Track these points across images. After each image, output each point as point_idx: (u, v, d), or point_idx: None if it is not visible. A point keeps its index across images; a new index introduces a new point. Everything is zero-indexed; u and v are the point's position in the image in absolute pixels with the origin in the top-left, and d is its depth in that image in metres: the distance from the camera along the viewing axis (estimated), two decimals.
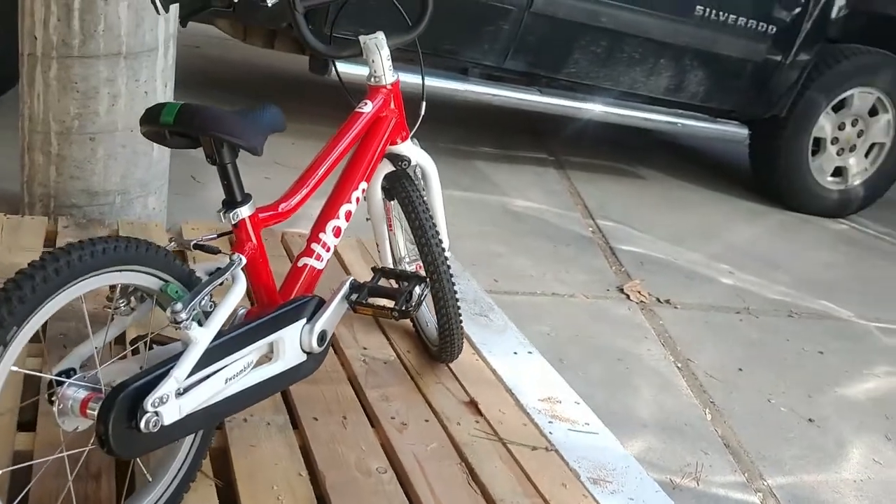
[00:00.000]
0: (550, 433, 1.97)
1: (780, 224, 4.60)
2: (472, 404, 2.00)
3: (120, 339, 1.67)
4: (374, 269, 1.83)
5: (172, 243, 1.46)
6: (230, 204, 1.51)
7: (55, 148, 2.55)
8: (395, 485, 1.68)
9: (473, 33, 3.83)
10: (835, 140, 4.78)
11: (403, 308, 1.68)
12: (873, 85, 4.68)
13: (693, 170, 5.27)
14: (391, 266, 2.12)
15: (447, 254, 1.93)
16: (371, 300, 1.71)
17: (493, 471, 1.78)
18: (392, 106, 1.89)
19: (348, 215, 1.76)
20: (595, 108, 4.29)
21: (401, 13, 1.93)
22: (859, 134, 4.81)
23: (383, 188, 2.00)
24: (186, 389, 1.34)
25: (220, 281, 1.40)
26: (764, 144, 4.73)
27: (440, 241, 1.91)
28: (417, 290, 1.72)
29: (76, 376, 1.31)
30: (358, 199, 1.79)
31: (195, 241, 1.48)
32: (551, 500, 1.72)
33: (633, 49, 4.13)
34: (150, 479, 1.44)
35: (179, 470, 1.46)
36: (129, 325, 1.44)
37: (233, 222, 1.51)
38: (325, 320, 1.62)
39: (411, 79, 2.36)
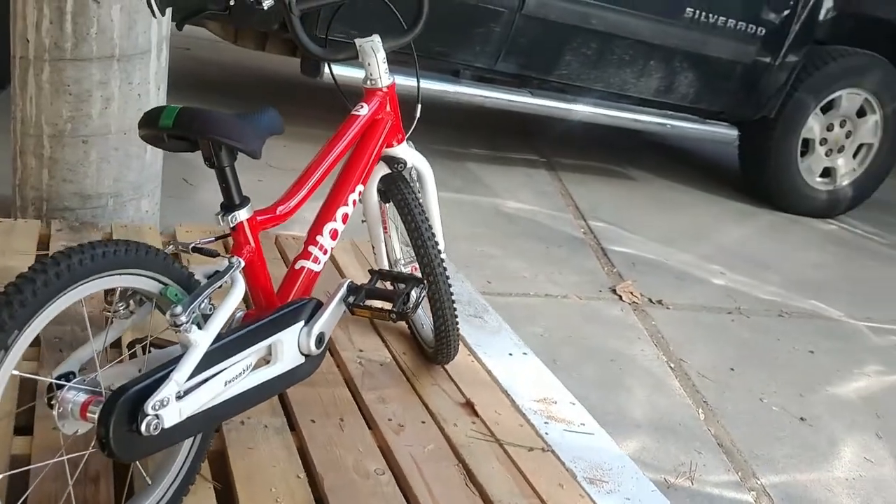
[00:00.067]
0: (546, 434, 1.98)
1: (769, 224, 4.63)
2: (469, 405, 2.01)
3: (115, 343, 1.67)
4: (371, 272, 1.83)
5: (171, 246, 1.46)
6: (228, 207, 1.51)
7: (47, 151, 2.55)
8: (393, 486, 1.68)
9: (465, 35, 3.84)
10: (823, 141, 4.81)
11: (401, 310, 1.69)
12: (861, 86, 4.71)
13: (683, 171, 5.30)
14: (387, 268, 2.13)
15: (443, 255, 1.94)
16: (368, 302, 1.71)
17: (491, 471, 1.79)
18: (388, 109, 1.89)
19: (345, 218, 1.77)
20: (586, 110, 4.31)
21: (396, 17, 1.94)
22: (847, 135, 4.85)
23: (379, 190, 2.00)
24: (186, 392, 1.34)
25: (219, 284, 1.40)
26: (753, 145, 4.76)
27: (436, 243, 1.92)
28: (415, 291, 1.72)
29: (76, 380, 1.31)
30: (355, 202, 1.80)
31: (194, 244, 1.48)
32: (548, 500, 1.73)
33: (624, 51, 4.15)
34: (150, 482, 1.44)
35: (179, 473, 1.46)
36: (129, 328, 1.44)
37: (231, 225, 1.52)
38: (322, 323, 1.62)
39: (404, 81, 2.37)
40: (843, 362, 3.13)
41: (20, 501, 1.40)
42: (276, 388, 1.59)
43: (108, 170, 2.61)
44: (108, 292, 1.39)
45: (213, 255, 1.48)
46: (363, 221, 2.08)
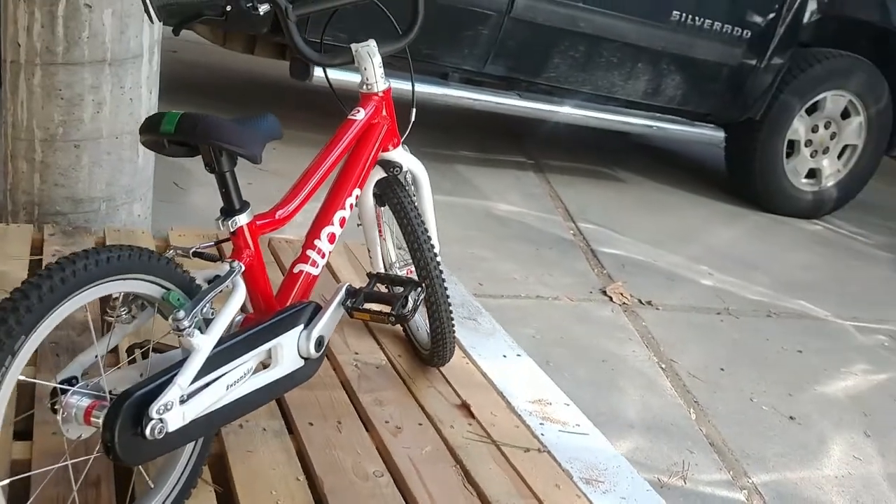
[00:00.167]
0: (542, 434, 1.99)
1: (756, 225, 4.67)
2: (465, 407, 2.02)
3: (112, 348, 1.67)
4: (369, 275, 1.85)
5: (172, 251, 1.47)
6: (229, 212, 1.52)
7: (39, 155, 2.54)
8: (392, 488, 1.69)
9: (453, 38, 3.86)
10: (808, 142, 4.86)
11: (400, 313, 1.70)
12: (845, 88, 4.76)
13: (671, 172, 5.33)
14: (383, 271, 2.14)
15: (439, 259, 1.95)
16: (367, 305, 1.72)
17: (488, 473, 1.80)
18: (384, 113, 1.90)
19: (343, 222, 1.78)
20: (574, 112, 4.33)
21: (391, 21, 1.95)
22: (832, 136, 4.90)
23: (375, 194, 2.01)
24: (190, 396, 1.35)
25: (221, 288, 1.41)
26: (740, 147, 4.80)
27: (432, 246, 1.93)
28: (414, 295, 1.74)
29: (79, 384, 1.32)
30: (352, 206, 1.81)
31: (194, 249, 1.49)
32: (545, 500, 1.75)
33: (612, 53, 4.18)
34: (153, 486, 1.45)
35: (181, 476, 1.47)
36: (130, 332, 1.45)
37: (231, 230, 1.53)
38: (322, 326, 1.63)
39: (396, 84, 2.38)
40: (831, 361, 3.17)
41: None
42: (277, 392, 1.60)
43: (101, 174, 2.61)
44: (104, 298, 1.39)
45: (214, 259, 1.49)
46: (358, 225, 2.09)
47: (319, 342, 1.63)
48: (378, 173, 1.97)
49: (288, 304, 1.67)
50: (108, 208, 2.66)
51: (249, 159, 1.46)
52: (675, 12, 4.20)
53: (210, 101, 4.57)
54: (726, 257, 4.02)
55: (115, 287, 1.29)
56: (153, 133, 1.43)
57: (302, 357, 1.62)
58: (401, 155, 1.98)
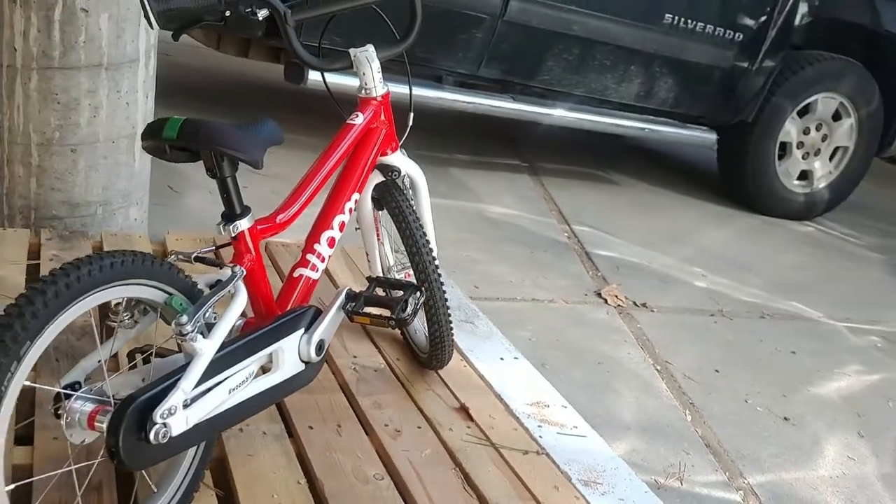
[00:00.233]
0: (540, 437, 2.01)
1: (748, 227, 4.70)
2: (463, 410, 2.04)
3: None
4: (368, 279, 1.85)
5: (173, 256, 1.47)
6: (230, 217, 1.53)
7: (36, 159, 2.54)
8: (392, 491, 1.70)
9: (447, 41, 3.87)
10: (800, 144, 4.89)
11: (400, 317, 1.71)
12: (836, 90, 4.79)
13: (663, 174, 5.36)
14: (381, 275, 2.15)
15: (437, 262, 1.96)
16: (367, 309, 1.73)
17: (487, 475, 1.81)
18: (382, 117, 1.91)
19: (342, 226, 1.79)
20: (568, 115, 4.35)
21: (389, 27, 1.96)
22: (823, 138, 4.93)
23: (373, 198, 2.02)
24: (193, 400, 1.36)
25: (223, 293, 1.42)
26: (732, 149, 4.82)
27: (431, 249, 1.94)
28: (413, 298, 1.75)
29: (83, 389, 1.32)
30: (351, 210, 1.82)
31: (196, 254, 1.50)
32: (545, 502, 1.76)
33: (605, 56, 4.20)
34: (155, 490, 1.45)
35: (183, 480, 1.48)
36: (133, 337, 1.45)
37: (232, 234, 1.53)
38: (322, 330, 1.64)
39: (393, 88, 2.39)
40: (824, 362, 3.19)
41: None
42: (278, 396, 1.60)
43: (97, 178, 2.61)
44: (104, 303, 1.40)
45: (215, 264, 1.50)
46: (357, 229, 2.10)
47: (320, 346, 1.63)
48: (376, 177, 1.98)
49: (288, 308, 1.68)
50: (104, 212, 2.66)
51: (251, 164, 1.47)
52: (667, 15, 4.22)
53: (204, 105, 4.57)
54: (719, 259, 4.04)
55: (119, 292, 1.30)
56: (155, 139, 1.44)
57: (303, 361, 1.62)
58: (399, 159, 1.99)
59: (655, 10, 4.19)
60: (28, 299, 1.17)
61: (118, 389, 1.36)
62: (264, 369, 1.59)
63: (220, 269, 1.51)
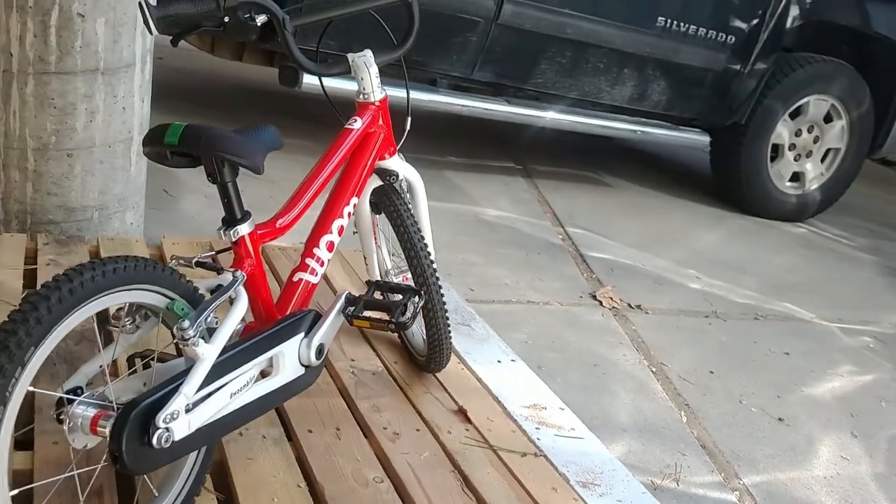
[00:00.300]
0: (538, 439, 2.02)
1: (741, 229, 4.72)
2: (461, 412, 2.05)
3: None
4: (368, 283, 1.86)
5: (174, 261, 1.48)
6: (230, 221, 1.53)
7: (32, 164, 2.54)
8: (392, 494, 1.71)
9: (442, 45, 3.88)
10: (792, 146, 4.91)
11: (400, 320, 1.72)
12: (828, 92, 4.82)
13: (657, 177, 5.38)
14: (379, 278, 2.16)
15: (435, 266, 1.97)
16: (367, 313, 1.74)
17: (486, 477, 1.82)
18: (380, 122, 1.92)
19: (341, 230, 1.80)
20: (561, 117, 4.37)
21: (387, 32, 1.97)
22: (815, 140, 4.96)
23: (371, 202, 2.03)
24: (195, 405, 1.37)
25: (224, 298, 1.43)
26: (725, 151, 4.85)
27: (429, 253, 1.96)
28: (413, 302, 1.76)
29: (85, 394, 1.33)
30: (350, 214, 1.83)
31: (196, 259, 1.50)
32: None
33: (598, 59, 4.21)
34: (157, 495, 1.46)
35: (185, 484, 1.48)
36: (134, 342, 1.46)
37: (233, 239, 1.54)
38: (322, 334, 1.65)
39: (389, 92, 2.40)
40: (818, 363, 3.21)
41: None
42: (278, 400, 1.61)
43: (93, 183, 2.62)
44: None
45: (216, 269, 1.50)
46: (355, 233, 2.10)
47: (320, 350, 1.64)
48: (374, 181, 1.99)
49: (288, 312, 1.68)
50: (100, 217, 2.66)
51: (252, 170, 1.48)
52: (660, 18, 4.24)
53: (199, 109, 4.57)
54: (713, 260, 4.06)
55: (122, 298, 1.31)
56: (157, 145, 1.45)
57: (303, 365, 1.63)
58: (397, 163, 2.00)
59: (648, 14, 4.22)
60: (32, 305, 1.17)
61: (120, 394, 1.37)
62: (264, 373, 1.60)
63: (219, 273, 1.52)
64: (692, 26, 4.32)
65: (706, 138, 4.82)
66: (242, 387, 1.48)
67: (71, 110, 2.51)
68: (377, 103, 1.91)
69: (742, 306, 3.59)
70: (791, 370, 3.11)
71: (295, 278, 1.73)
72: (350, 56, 1.87)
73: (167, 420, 1.30)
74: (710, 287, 3.72)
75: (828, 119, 4.93)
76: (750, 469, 2.44)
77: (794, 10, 4.55)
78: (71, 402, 1.31)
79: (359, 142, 1.86)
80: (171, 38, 1.77)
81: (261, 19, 1.70)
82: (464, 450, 1.90)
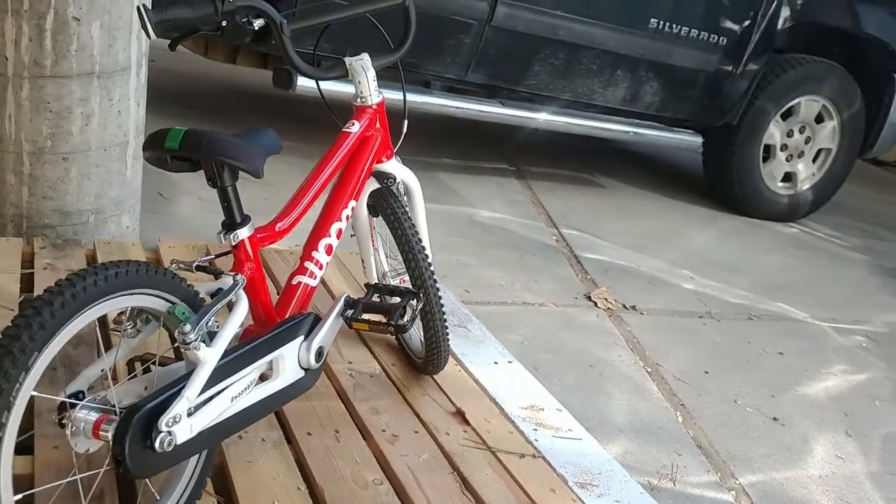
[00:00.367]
0: (536, 440, 2.03)
1: (734, 229, 4.75)
2: (459, 414, 2.05)
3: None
4: (367, 286, 1.87)
5: (175, 265, 1.48)
6: (230, 225, 1.54)
7: (28, 168, 2.54)
8: (392, 496, 1.72)
9: (435, 47, 3.89)
10: (784, 147, 4.94)
11: (399, 323, 1.72)
12: (819, 93, 4.85)
13: (650, 177, 5.40)
14: (376, 281, 2.16)
15: (433, 268, 1.98)
16: (365, 316, 1.75)
17: (485, 479, 1.83)
18: (378, 125, 1.93)
19: (339, 233, 1.80)
20: (555, 119, 4.38)
21: (384, 36, 1.98)
22: (807, 140, 4.99)
23: (368, 205, 2.04)
24: (196, 409, 1.37)
25: (225, 301, 1.43)
26: (717, 152, 4.87)
27: (426, 256, 1.96)
28: (412, 304, 1.76)
29: (87, 398, 1.33)
30: (348, 217, 1.83)
31: (197, 263, 1.51)
32: None
33: (591, 61, 4.23)
34: (158, 498, 1.46)
35: (186, 488, 1.49)
36: (136, 346, 1.46)
37: (233, 243, 1.55)
38: (321, 337, 1.66)
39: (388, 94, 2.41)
40: (811, 363, 3.23)
41: None
42: (278, 403, 1.62)
43: (89, 186, 2.61)
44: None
45: (216, 273, 1.51)
46: (352, 236, 2.11)
47: (319, 353, 1.65)
48: (372, 184, 2.00)
49: (287, 315, 1.69)
50: (96, 220, 2.66)
51: (252, 174, 1.48)
52: (652, 20, 4.26)
53: (193, 112, 4.57)
54: (706, 261, 4.08)
55: (124, 302, 1.31)
56: (157, 149, 1.45)
57: (302, 368, 1.64)
58: (394, 166, 2.01)
59: (641, 15, 4.23)
60: (36, 310, 1.18)
61: (121, 398, 1.37)
62: (264, 377, 1.60)
63: (217, 277, 1.52)
64: (684, 28, 4.34)
65: (699, 139, 4.85)
66: (243, 390, 1.49)
67: (67, 114, 2.51)
68: (374, 107, 1.92)
69: (736, 306, 3.61)
70: (785, 370, 3.13)
71: (294, 281, 1.74)
72: (347, 60, 1.88)
73: (170, 424, 1.31)
74: (704, 287, 3.74)
75: (819, 120, 4.96)
76: (746, 469, 2.46)
77: (785, 12, 4.58)
78: (73, 406, 1.31)
79: (356, 145, 1.86)
80: (168, 42, 1.78)
81: (258, 23, 1.71)
82: (462, 451, 1.91)
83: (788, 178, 5.02)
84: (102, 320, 1.49)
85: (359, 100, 1.91)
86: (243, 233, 1.55)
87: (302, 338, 1.63)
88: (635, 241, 4.12)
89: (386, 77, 2.33)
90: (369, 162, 1.90)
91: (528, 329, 2.99)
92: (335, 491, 1.69)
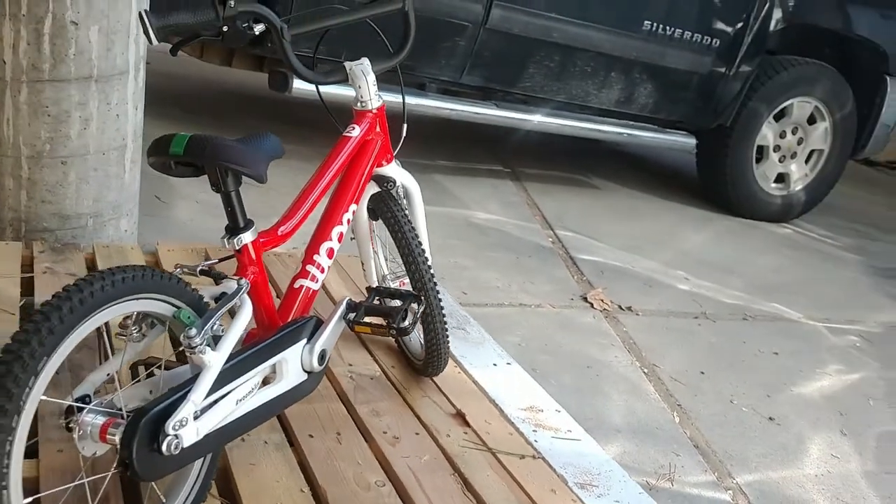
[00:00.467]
0: (536, 441, 2.04)
1: (728, 230, 4.77)
2: (459, 416, 2.07)
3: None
4: (368, 289, 1.88)
5: (178, 269, 1.49)
6: (234, 230, 1.55)
7: (26, 172, 2.55)
8: (394, 497, 1.73)
9: (430, 49, 3.91)
10: (777, 148, 4.97)
11: (401, 326, 1.74)
12: (811, 94, 4.88)
13: (644, 179, 5.42)
14: (376, 284, 2.17)
15: (433, 271, 2.00)
16: (367, 319, 1.76)
17: (486, 480, 1.84)
18: (378, 129, 1.94)
19: (340, 237, 1.82)
20: (549, 121, 4.40)
21: (383, 40, 1.99)
22: (799, 141, 5.02)
23: (368, 209, 2.05)
24: (202, 412, 1.38)
25: (230, 305, 1.44)
26: (711, 153, 4.90)
27: (426, 258, 1.98)
28: (413, 307, 1.78)
29: (94, 402, 1.34)
30: (349, 221, 1.85)
31: (201, 267, 1.52)
32: None
33: (585, 63, 4.25)
34: (164, 501, 1.47)
35: (191, 491, 1.50)
36: (141, 350, 1.47)
37: (237, 247, 1.56)
38: (324, 340, 1.67)
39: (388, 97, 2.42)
40: (806, 363, 3.25)
41: None
42: (282, 405, 1.63)
43: (88, 190, 2.62)
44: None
45: (221, 277, 1.52)
46: (352, 239, 2.12)
47: (322, 356, 1.66)
48: (372, 188, 2.01)
49: (290, 319, 1.70)
50: (95, 224, 2.67)
51: (255, 179, 1.50)
52: (646, 22, 4.28)
53: (187, 114, 4.57)
54: (701, 262, 4.11)
55: (131, 307, 1.32)
56: (162, 155, 1.46)
57: (305, 371, 1.65)
58: (394, 170, 2.02)
59: (635, 18, 4.26)
60: (44, 315, 1.19)
61: (126, 402, 1.38)
62: (267, 380, 1.61)
63: (217, 282, 1.53)
64: (678, 30, 4.36)
65: (692, 141, 4.87)
66: (247, 393, 1.50)
67: (65, 118, 2.52)
68: (375, 111, 1.93)
69: (730, 307, 3.64)
70: (780, 370, 3.15)
71: (296, 285, 1.75)
72: (347, 64, 1.89)
73: (176, 427, 1.32)
74: (699, 288, 3.76)
75: (811, 121, 4.99)
76: (742, 468, 2.48)
77: (778, 14, 4.61)
78: (80, 410, 1.32)
79: (357, 149, 1.88)
80: (170, 47, 1.79)
81: (259, 28, 1.72)
82: (463, 453, 1.92)
83: (781, 178, 5.05)
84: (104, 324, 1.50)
85: (359, 104, 1.92)
86: (247, 237, 1.56)
87: (305, 341, 1.64)
88: (630, 242, 4.14)
89: (383, 80, 2.35)
90: (369, 166, 1.91)
91: (525, 330, 3.01)
92: (338, 493, 1.70)
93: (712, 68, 4.53)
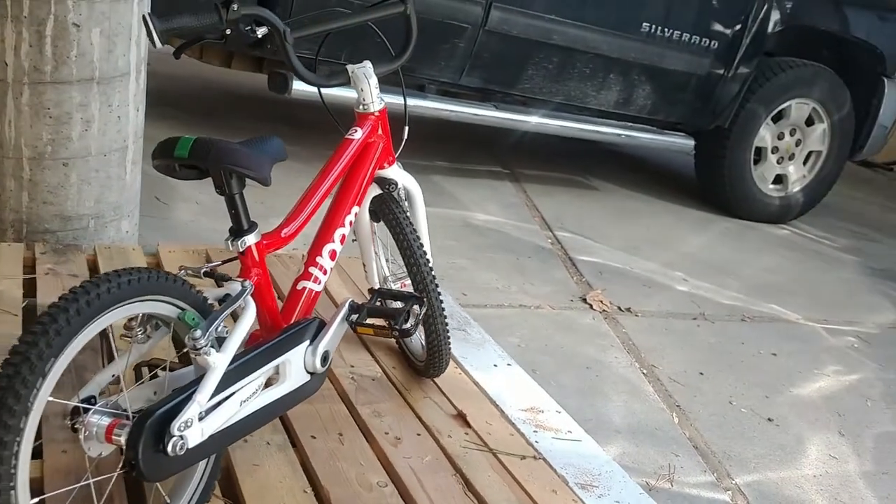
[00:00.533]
0: (536, 442, 2.05)
1: (726, 231, 4.79)
2: (461, 417, 2.08)
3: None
4: (371, 291, 1.89)
5: (182, 271, 1.50)
6: (238, 232, 1.56)
7: (27, 173, 2.55)
8: (396, 498, 1.74)
9: (430, 51, 3.92)
10: (775, 149, 4.99)
11: (403, 327, 1.75)
12: (809, 96, 4.90)
13: (643, 180, 5.44)
14: (378, 286, 2.18)
15: (434, 273, 2.01)
16: (370, 320, 1.77)
17: (487, 480, 1.85)
18: (380, 132, 1.95)
19: (343, 239, 1.83)
20: (548, 122, 4.42)
21: (385, 43, 2.00)
22: (797, 143, 5.04)
23: (370, 210, 2.06)
24: (207, 413, 1.39)
25: (234, 307, 1.45)
26: (709, 155, 4.92)
27: (427, 260, 1.99)
28: (416, 309, 1.79)
29: (99, 403, 1.35)
30: (351, 223, 1.86)
31: (205, 269, 1.53)
32: None
33: (584, 65, 4.26)
34: (168, 501, 1.48)
35: (195, 491, 1.50)
36: (145, 352, 1.48)
37: (240, 249, 1.57)
38: (327, 341, 1.68)
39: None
40: (804, 363, 3.27)
41: None
42: (285, 406, 1.64)
43: (89, 191, 2.63)
44: None
45: (225, 279, 1.53)
46: (354, 241, 2.13)
47: (325, 357, 1.67)
48: (374, 190, 2.02)
49: (292, 320, 1.71)
50: (96, 225, 2.67)
51: (260, 181, 1.51)
52: (644, 24, 4.30)
53: (187, 115, 4.58)
54: (699, 263, 4.12)
55: (137, 308, 1.33)
56: (166, 158, 1.47)
57: (308, 372, 1.66)
58: (396, 172, 2.03)
59: (633, 20, 4.27)
60: (52, 317, 1.20)
61: (132, 403, 1.39)
62: (270, 381, 1.62)
63: (219, 284, 1.54)
64: (676, 32, 4.38)
65: (690, 142, 4.89)
66: (251, 394, 1.51)
67: (66, 119, 2.53)
68: (376, 113, 1.94)
69: (729, 308, 3.65)
70: (778, 371, 3.16)
71: (299, 287, 1.76)
72: (350, 67, 1.90)
73: (181, 428, 1.33)
74: (697, 289, 3.77)
75: (809, 122, 5.01)
76: (741, 469, 2.49)
77: (776, 15, 4.62)
78: (86, 410, 1.33)
79: (359, 152, 1.89)
80: (173, 50, 1.80)
81: (262, 31, 1.73)
82: (464, 453, 1.93)
83: (779, 180, 5.06)
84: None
85: (361, 107, 1.93)
86: (251, 239, 1.57)
87: (308, 342, 1.65)
88: (628, 244, 4.15)
89: (383, 82, 2.36)
90: (371, 168, 1.92)
91: (524, 331, 3.02)
92: (340, 493, 1.71)
93: (710, 70, 4.55)
